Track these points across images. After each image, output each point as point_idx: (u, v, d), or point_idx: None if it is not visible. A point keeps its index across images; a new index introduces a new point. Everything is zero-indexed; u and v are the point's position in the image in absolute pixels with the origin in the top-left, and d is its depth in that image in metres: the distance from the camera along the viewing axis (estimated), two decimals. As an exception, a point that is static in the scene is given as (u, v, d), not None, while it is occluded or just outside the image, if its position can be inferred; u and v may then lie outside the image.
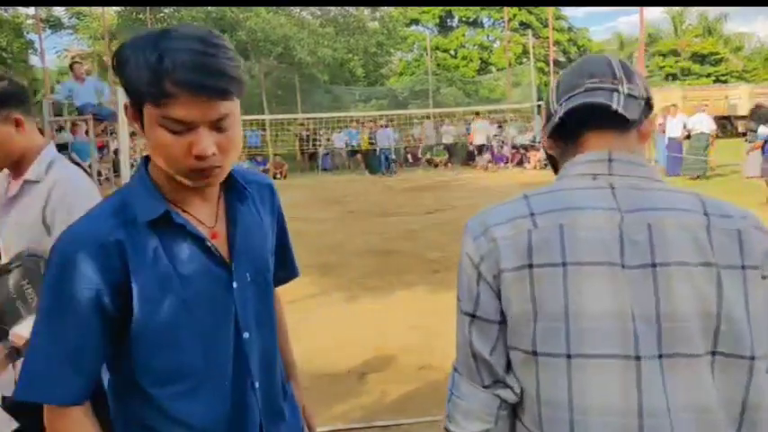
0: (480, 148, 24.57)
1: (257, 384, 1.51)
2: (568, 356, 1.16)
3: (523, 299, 1.21)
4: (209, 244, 1.42)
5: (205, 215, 1.47)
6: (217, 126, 1.32)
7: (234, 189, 1.52)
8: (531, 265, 1.20)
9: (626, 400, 1.13)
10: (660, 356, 1.13)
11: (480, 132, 24.46)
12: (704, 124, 16.77)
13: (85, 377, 1.35)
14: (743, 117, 25.01)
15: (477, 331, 1.28)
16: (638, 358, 1.13)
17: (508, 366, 1.28)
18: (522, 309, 1.21)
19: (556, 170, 1.42)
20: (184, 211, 1.43)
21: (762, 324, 1.14)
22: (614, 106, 1.24)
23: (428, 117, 27.06)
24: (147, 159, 1.46)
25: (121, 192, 1.44)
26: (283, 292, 6.72)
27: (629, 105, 1.26)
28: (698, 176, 16.25)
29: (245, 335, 1.47)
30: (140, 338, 1.36)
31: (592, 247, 1.17)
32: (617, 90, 1.27)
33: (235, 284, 1.45)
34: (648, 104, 1.32)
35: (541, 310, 1.19)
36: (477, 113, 25.87)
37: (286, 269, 1.94)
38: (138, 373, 1.38)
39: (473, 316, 1.28)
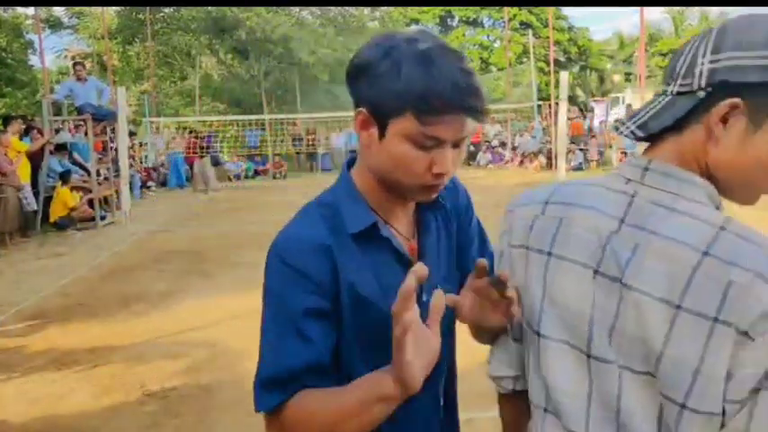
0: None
1: (442, 400, 1.53)
2: (538, 335, 1.26)
3: (520, 275, 1.31)
4: (409, 258, 1.40)
5: (404, 226, 1.45)
6: (456, 144, 1.30)
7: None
8: (527, 247, 1.30)
9: (578, 385, 1.20)
10: (619, 365, 1.13)
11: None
12: None
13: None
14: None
15: None
16: (588, 356, 1.18)
17: None
18: (520, 283, 1.31)
19: None
20: (386, 222, 1.41)
21: (712, 381, 1.02)
22: (622, 130, 1.22)
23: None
24: (349, 165, 1.45)
25: (327, 197, 1.41)
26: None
27: (668, 109, 1.16)
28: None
29: None
30: (345, 349, 1.35)
31: (577, 246, 1.20)
32: (665, 93, 1.19)
33: (424, 298, 1.40)
34: (718, 90, 1.10)
35: (527, 289, 1.29)
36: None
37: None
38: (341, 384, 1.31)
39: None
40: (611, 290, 1.14)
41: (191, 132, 23.54)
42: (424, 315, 1.19)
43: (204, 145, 22.21)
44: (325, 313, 1.29)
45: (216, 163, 21.70)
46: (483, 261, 1.26)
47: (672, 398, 1.06)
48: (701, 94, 1.11)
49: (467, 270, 1.43)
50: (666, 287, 1.06)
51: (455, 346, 1.62)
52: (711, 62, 1.10)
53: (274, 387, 1.31)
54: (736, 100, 1.07)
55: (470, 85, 1.24)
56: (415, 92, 1.22)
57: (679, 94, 1.15)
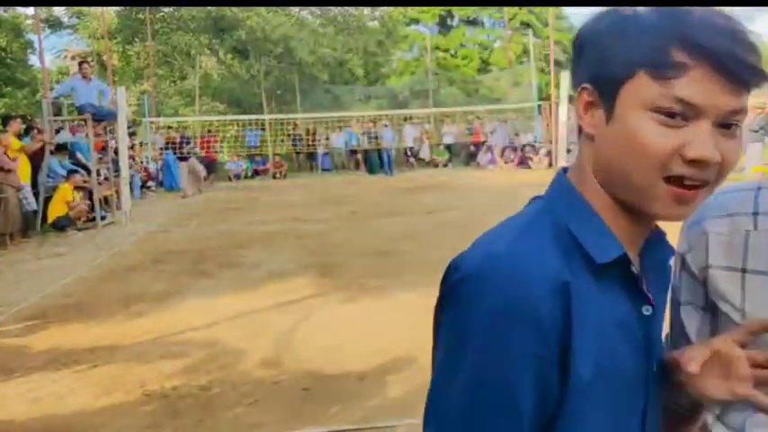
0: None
1: None
2: None
3: (736, 299, 1.11)
4: (649, 297, 1.03)
5: (633, 254, 1.05)
6: (724, 124, 0.93)
7: None
8: (744, 270, 1.10)
9: None
10: None
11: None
12: None
13: None
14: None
15: (684, 314, 1.23)
16: None
17: None
18: (735, 307, 1.12)
19: None
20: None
21: None
22: None
23: (396, 119, 26.88)
24: (564, 171, 1.09)
25: (547, 213, 1.04)
26: (283, 292, 6.76)
27: None
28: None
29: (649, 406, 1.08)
30: (569, 417, 0.97)
31: None
32: None
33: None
34: None
35: (747, 316, 1.09)
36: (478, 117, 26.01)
37: None
38: None
39: (675, 302, 1.23)
40: None
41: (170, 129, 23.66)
42: (649, 365, 1.03)
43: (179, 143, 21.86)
44: (549, 380, 0.93)
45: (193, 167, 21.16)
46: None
47: None
48: None
49: None
50: None
51: None
52: None
53: None
54: None
55: (735, 32, 0.92)
56: (644, 43, 0.94)
57: None
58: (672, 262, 1.15)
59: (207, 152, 23.67)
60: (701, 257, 1.15)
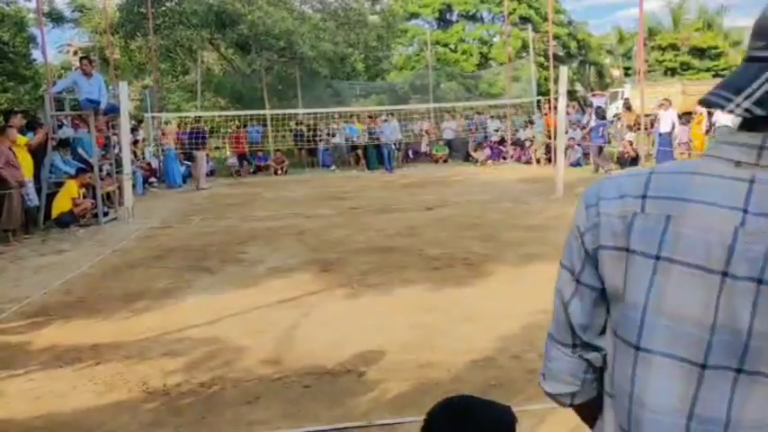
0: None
1: None
2: (637, 348, 1.14)
3: (616, 279, 1.17)
4: None
5: None
6: None
7: None
8: (628, 249, 1.14)
9: (681, 402, 1.09)
10: (739, 371, 1.04)
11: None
12: (729, 118, 16.86)
13: None
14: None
15: (579, 297, 1.27)
16: (703, 366, 1.06)
17: (603, 330, 1.27)
18: (614, 288, 1.18)
19: None
20: None
21: None
22: (731, 108, 1.06)
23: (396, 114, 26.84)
24: None
25: None
26: (284, 289, 6.82)
27: None
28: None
29: None
30: None
31: (691, 248, 1.06)
32: None
33: None
34: None
35: (625, 296, 1.15)
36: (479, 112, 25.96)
37: None
38: None
39: (577, 282, 1.26)
40: (746, 291, 1.01)
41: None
42: None
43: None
44: None
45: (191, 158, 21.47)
46: None
47: None
48: None
49: None
50: None
51: None
52: None
53: None
54: None
55: None
56: None
57: None
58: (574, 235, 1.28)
59: (237, 147, 24.79)
60: (595, 238, 1.19)
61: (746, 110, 1.03)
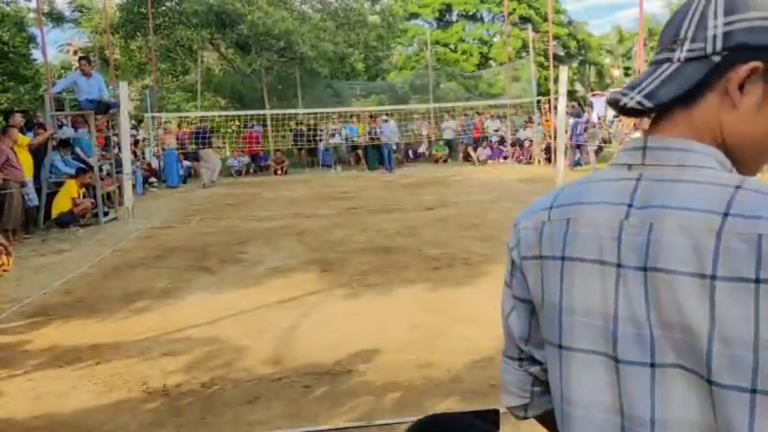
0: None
1: None
2: (560, 347, 1.17)
3: (537, 286, 1.23)
4: None
5: None
6: None
7: None
8: (541, 257, 1.21)
9: (608, 397, 1.09)
10: (653, 365, 1.03)
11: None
12: None
13: None
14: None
15: (516, 310, 1.32)
16: (616, 360, 1.07)
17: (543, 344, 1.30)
18: (536, 295, 1.23)
19: None
20: None
21: None
22: (625, 101, 1.11)
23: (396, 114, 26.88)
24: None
25: None
26: (284, 289, 6.83)
27: (676, 77, 1.08)
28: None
29: None
30: None
31: (586, 244, 1.12)
32: (669, 60, 1.10)
33: None
34: (734, 54, 1.03)
35: (544, 300, 1.20)
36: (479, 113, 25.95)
37: None
38: None
39: (513, 296, 1.32)
40: (637, 280, 1.04)
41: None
42: None
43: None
44: None
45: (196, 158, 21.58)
46: None
47: (737, 385, 0.95)
48: (716, 58, 1.04)
49: None
50: (695, 260, 0.97)
51: None
52: (726, 24, 1.04)
53: None
54: (757, 63, 1.01)
55: None
56: None
57: (688, 60, 1.07)
58: None
59: (249, 147, 24.98)
60: (518, 252, 1.27)
61: (638, 102, 1.10)
